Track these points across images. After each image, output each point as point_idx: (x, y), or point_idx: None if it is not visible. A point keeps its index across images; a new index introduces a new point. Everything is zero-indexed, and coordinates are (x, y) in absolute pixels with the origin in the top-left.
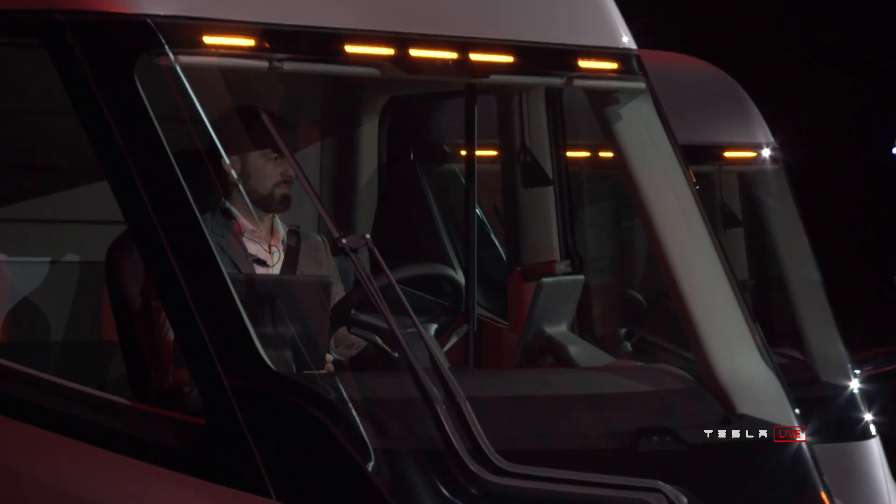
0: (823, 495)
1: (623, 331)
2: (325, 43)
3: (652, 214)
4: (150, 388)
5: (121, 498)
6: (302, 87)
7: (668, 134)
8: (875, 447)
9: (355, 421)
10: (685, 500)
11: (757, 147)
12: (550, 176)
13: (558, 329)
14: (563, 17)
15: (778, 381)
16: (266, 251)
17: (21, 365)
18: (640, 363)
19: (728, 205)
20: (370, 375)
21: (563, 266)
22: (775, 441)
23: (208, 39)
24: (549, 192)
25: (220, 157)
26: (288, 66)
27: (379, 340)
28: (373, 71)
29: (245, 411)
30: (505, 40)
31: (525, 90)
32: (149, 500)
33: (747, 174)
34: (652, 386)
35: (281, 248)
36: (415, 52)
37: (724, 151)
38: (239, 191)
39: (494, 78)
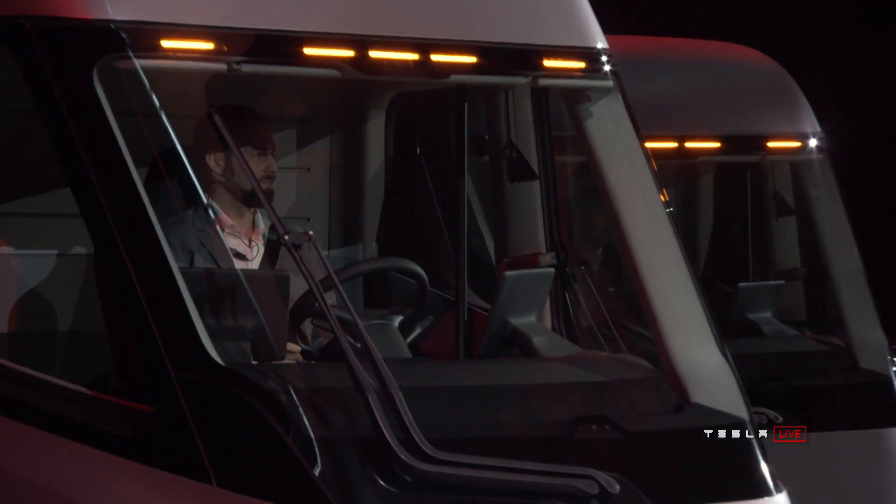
0: (767, 480)
1: None
2: (284, 46)
3: (618, 210)
4: (118, 377)
5: (72, 485)
6: (311, 83)
7: (636, 131)
8: None
9: (292, 411)
10: (617, 486)
11: (802, 137)
12: (536, 171)
13: (525, 320)
14: (532, 16)
15: (731, 371)
16: (246, 245)
17: (27, 355)
18: (604, 353)
19: (781, 193)
20: (310, 366)
21: (548, 258)
22: (721, 428)
23: (168, 43)
24: (535, 186)
25: (202, 155)
26: (247, 68)
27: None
28: (333, 72)
29: (189, 401)
30: (470, 41)
31: (507, 88)
32: (98, 486)
33: (795, 163)
34: (608, 375)
35: (261, 242)
36: (374, 54)
37: (771, 141)
38: (221, 187)
39: (455, 78)
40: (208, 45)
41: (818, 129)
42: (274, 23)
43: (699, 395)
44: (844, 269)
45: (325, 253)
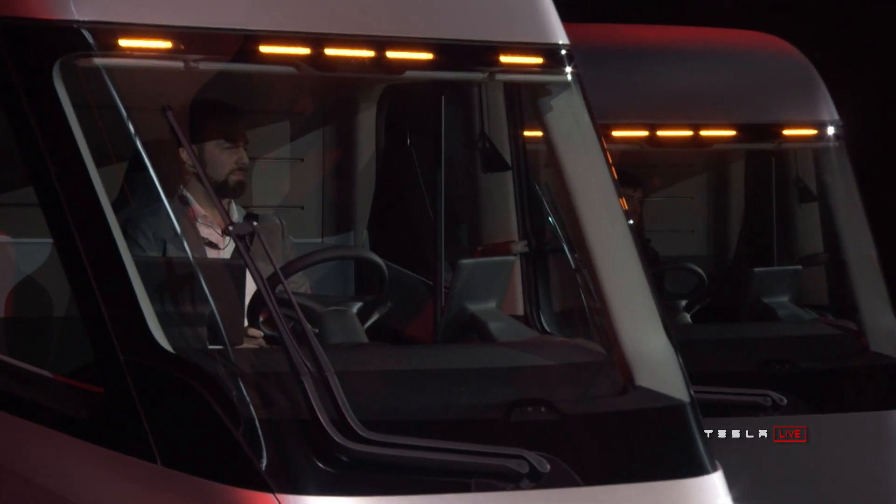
0: (703, 459)
1: (683, 303)
2: (241, 44)
3: (574, 201)
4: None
5: (28, 463)
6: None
7: (593, 125)
8: None
9: (232, 394)
10: (548, 465)
11: (821, 125)
12: (509, 162)
13: (483, 307)
14: (490, 13)
15: (675, 356)
16: (218, 235)
17: (23, 340)
18: (559, 338)
19: (804, 180)
20: (252, 352)
21: (520, 246)
22: (661, 410)
23: (127, 42)
24: (508, 177)
25: (175, 148)
26: (204, 66)
27: (301, 318)
28: (290, 70)
29: (137, 384)
30: (425, 38)
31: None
32: (51, 465)
33: (814, 151)
34: (557, 360)
35: None
36: (330, 52)
37: (791, 129)
38: (194, 179)
39: (410, 74)
40: (167, 44)
41: (836, 116)
42: (231, 22)
43: (644, 379)
44: (858, 255)
45: (317, 240)
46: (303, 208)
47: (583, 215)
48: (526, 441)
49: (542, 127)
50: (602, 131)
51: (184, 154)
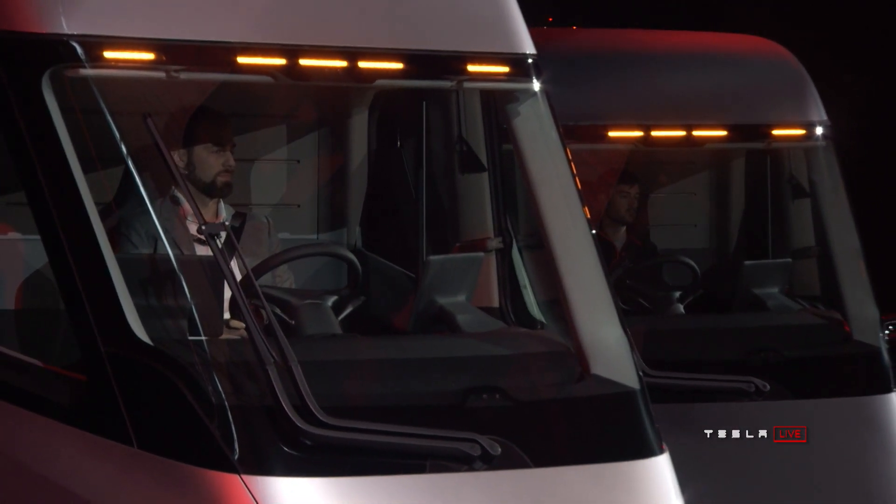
0: (651, 442)
1: (677, 293)
2: (220, 55)
3: (538, 199)
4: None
5: (16, 446)
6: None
7: (557, 130)
8: (894, 402)
9: (203, 382)
10: (499, 448)
11: (810, 126)
12: (485, 164)
13: (452, 300)
14: (459, 24)
15: (628, 346)
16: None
17: (17, 331)
18: (524, 329)
19: (797, 178)
20: (223, 343)
21: (495, 242)
22: (612, 396)
23: (113, 54)
24: (485, 178)
25: (168, 151)
26: (185, 76)
27: (277, 310)
28: (266, 79)
29: (115, 372)
30: (395, 49)
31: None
32: (37, 448)
33: (804, 150)
34: (517, 349)
35: None
36: (304, 62)
37: (782, 129)
38: (185, 180)
39: (380, 82)
40: (150, 56)
41: (825, 117)
42: (210, 34)
43: (598, 368)
44: (843, 249)
45: (312, 237)
46: (299, 206)
47: (546, 215)
48: (481, 426)
49: (510, 131)
50: (606, 131)
51: (175, 156)
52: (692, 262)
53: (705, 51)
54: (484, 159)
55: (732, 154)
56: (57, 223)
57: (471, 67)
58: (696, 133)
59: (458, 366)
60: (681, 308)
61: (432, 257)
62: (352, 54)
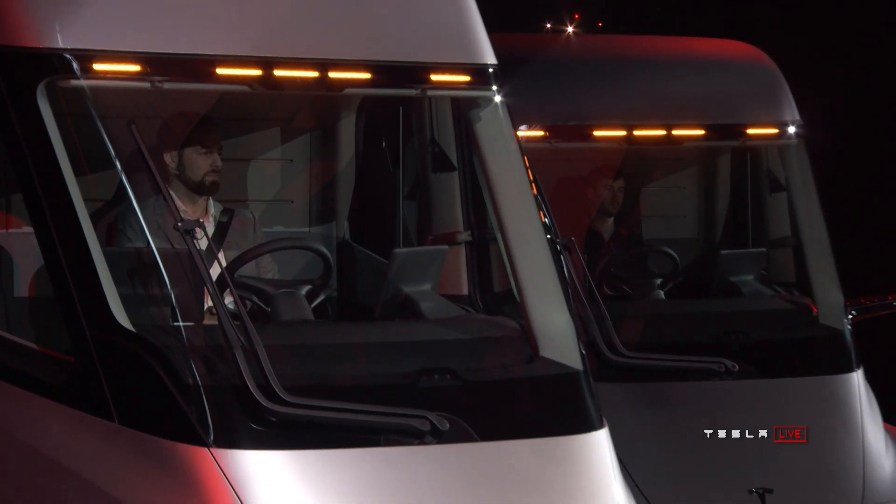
0: (592, 418)
1: (658, 280)
2: (200, 66)
3: (496, 197)
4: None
5: (13, 422)
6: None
7: (515, 134)
8: (856, 380)
9: (177, 364)
10: (447, 424)
11: (783, 125)
12: (455, 164)
13: (417, 289)
14: (424, 36)
15: (574, 331)
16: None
17: (15, 317)
18: (482, 315)
19: (774, 173)
20: (195, 328)
21: (464, 235)
22: (557, 376)
23: (101, 66)
24: (454, 176)
25: (160, 153)
26: (168, 86)
27: (255, 298)
28: (243, 88)
29: (100, 355)
30: (363, 60)
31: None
32: (31, 424)
33: (779, 147)
34: (474, 333)
35: (211, 223)
36: (278, 72)
37: (759, 128)
38: (176, 179)
39: (349, 91)
40: (136, 68)
41: (797, 117)
42: (192, 48)
43: (546, 350)
44: (813, 239)
45: (305, 230)
46: (293, 202)
47: (502, 211)
48: (432, 404)
49: (471, 135)
50: (594, 130)
51: (167, 158)
52: (672, 252)
53: (689, 55)
54: (454, 160)
55: (718, 151)
56: (49, 220)
57: (434, 77)
58: (680, 132)
59: (414, 349)
60: (661, 294)
61: (397, 250)
62: (322, 65)
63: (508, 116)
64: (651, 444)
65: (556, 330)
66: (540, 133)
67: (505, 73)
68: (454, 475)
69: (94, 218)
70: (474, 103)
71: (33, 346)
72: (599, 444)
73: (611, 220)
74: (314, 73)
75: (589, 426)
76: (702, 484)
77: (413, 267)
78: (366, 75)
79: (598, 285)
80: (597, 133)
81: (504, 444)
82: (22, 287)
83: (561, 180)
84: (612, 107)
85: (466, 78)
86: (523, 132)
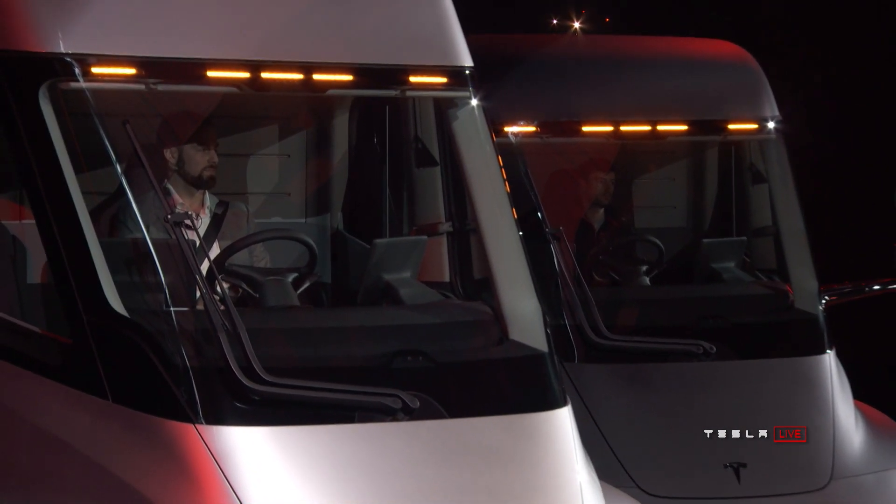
0: (557, 396)
1: (644, 267)
2: (192, 69)
3: (471, 191)
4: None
5: (15, 400)
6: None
7: (488, 129)
8: (828, 361)
9: (166, 346)
10: (418, 402)
11: (763, 120)
12: (437, 159)
13: (397, 277)
14: (403, 40)
15: (541, 316)
16: (194, 218)
17: (19, 301)
18: (458, 301)
19: (756, 165)
20: (184, 313)
21: (446, 226)
22: (525, 358)
23: (99, 70)
24: (437, 171)
25: (160, 150)
26: (162, 88)
27: (244, 285)
28: (233, 90)
29: (94, 337)
30: (345, 63)
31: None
32: (31, 402)
33: (760, 142)
34: (449, 318)
35: (207, 215)
36: (265, 75)
37: (741, 123)
38: (175, 174)
39: (332, 92)
40: (132, 71)
41: (777, 113)
42: (184, 51)
43: (515, 334)
44: (790, 229)
45: (301, 220)
46: (290, 195)
47: (477, 204)
48: (405, 383)
49: (448, 133)
50: (586, 126)
51: (167, 154)
52: (657, 241)
53: (675, 54)
54: (437, 156)
55: (706, 145)
56: (49, 213)
57: (413, 78)
58: (666, 127)
59: (389, 332)
60: (646, 280)
61: (378, 240)
62: (307, 67)
63: (484, 116)
64: (633, 422)
65: (524, 314)
66: (534, 129)
67: (501, 72)
68: (424, 450)
69: (98, 210)
70: (451, 103)
71: (35, 328)
72: (562, 421)
73: (601, 210)
74: (299, 76)
75: (553, 404)
76: (681, 458)
77: (393, 256)
78: (348, 77)
79: (588, 272)
80: (588, 129)
81: (472, 420)
82: (35, 274)
83: (555, 173)
84: (603, 103)
85: (444, 79)
86: (519, 128)
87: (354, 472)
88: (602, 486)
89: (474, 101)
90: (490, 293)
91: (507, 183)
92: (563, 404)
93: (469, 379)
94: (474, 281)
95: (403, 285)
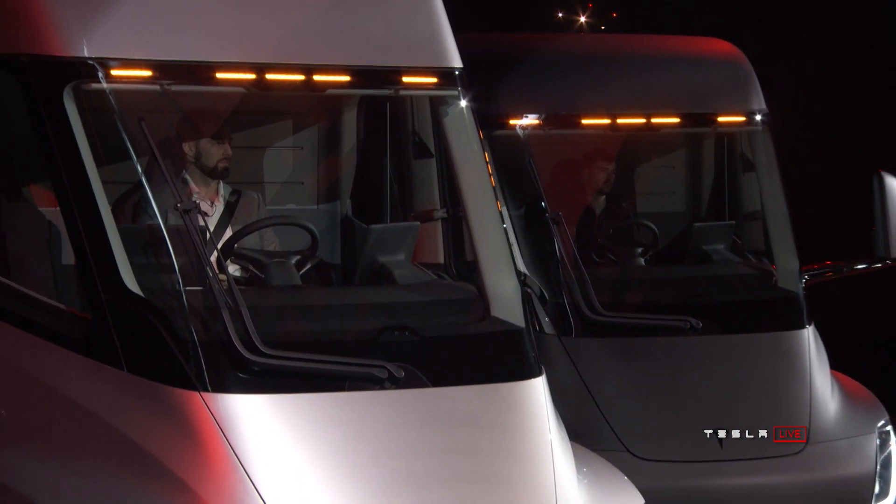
0: (533, 366)
1: (639, 249)
2: (202, 71)
3: (460, 182)
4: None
5: (42, 370)
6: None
7: (476, 128)
8: (806, 335)
9: (175, 321)
10: (403, 372)
11: (751, 114)
12: (433, 151)
13: (392, 259)
14: (397, 43)
15: (520, 294)
16: (209, 206)
17: (45, 280)
18: (447, 281)
19: (747, 155)
20: (192, 292)
21: (441, 213)
22: (504, 333)
23: (118, 72)
24: (432, 162)
25: (179, 144)
26: (175, 88)
27: (251, 266)
28: (239, 90)
29: (111, 313)
30: (343, 65)
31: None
32: (56, 371)
33: (748, 133)
34: (438, 296)
35: (221, 203)
36: (270, 76)
37: (732, 116)
38: (193, 165)
39: (331, 91)
40: (148, 73)
41: (764, 106)
42: (195, 55)
43: (497, 310)
44: (774, 213)
45: (314, 207)
46: (303, 183)
47: (464, 193)
48: (392, 356)
49: (439, 129)
50: (589, 118)
51: (185, 148)
52: (652, 225)
53: (672, 52)
54: (432, 149)
55: (703, 136)
56: (73, 203)
57: (406, 79)
58: (661, 120)
59: (380, 309)
60: (641, 261)
61: (373, 226)
62: (308, 69)
63: (472, 113)
64: (624, 391)
65: (505, 293)
66: (538, 122)
67: (510, 67)
68: (408, 415)
69: (123, 198)
70: (442, 101)
71: (61, 306)
72: (536, 389)
73: (602, 197)
74: (301, 77)
75: (528, 374)
76: (668, 425)
77: (388, 240)
78: (346, 78)
79: (588, 254)
80: (593, 121)
81: (453, 389)
82: (68, 256)
83: (561, 163)
84: (605, 98)
85: (434, 80)
86: (527, 121)
87: (344, 434)
88: (574, 447)
89: (463, 100)
90: (476, 274)
91: (492, 177)
92: (538, 374)
93: (451, 351)
94: (467, 263)
95: (397, 267)
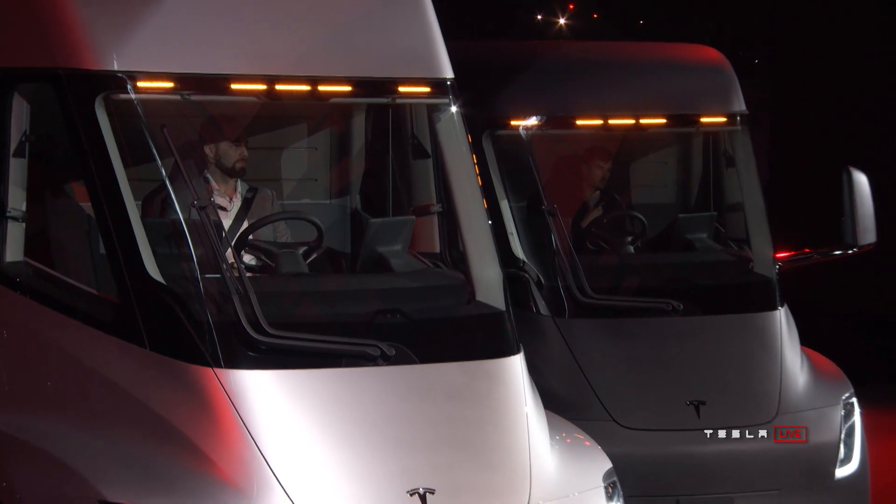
0: (512, 345)
1: (629, 238)
2: (218, 83)
3: (449, 182)
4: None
5: (76, 347)
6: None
7: (465, 133)
8: (778, 316)
9: (192, 305)
10: (394, 350)
11: (731, 115)
12: (429, 152)
13: (390, 249)
14: (394, 56)
15: (501, 282)
16: (227, 202)
17: (82, 269)
18: (439, 269)
19: (730, 152)
20: (207, 280)
21: (437, 207)
22: (486, 309)
23: (143, 84)
24: (429, 162)
25: (201, 146)
26: (194, 98)
27: (263, 256)
28: (252, 99)
29: (136, 298)
30: (345, 76)
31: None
32: (89, 349)
33: (729, 132)
34: (429, 283)
35: (238, 199)
36: (279, 87)
37: (714, 116)
38: (213, 166)
39: (334, 100)
40: (169, 84)
41: (744, 107)
42: (212, 68)
43: (481, 296)
44: (751, 204)
45: (326, 202)
46: (317, 180)
47: (454, 191)
48: (385, 336)
49: (432, 133)
50: (585, 119)
51: (207, 150)
52: (641, 216)
53: (659, 58)
54: (429, 150)
55: (692, 134)
56: (103, 200)
57: (402, 88)
58: (650, 120)
59: (375, 295)
60: (631, 249)
61: (372, 220)
62: (313, 80)
63: (462, 118)
64: (611, 366)
65: (488, 280)
66: (538, 122)
67: (512, 74)
68: (398, 388)
69: (152, 195)
70: (435, 109)
71: (93, 291)
72: (514, 366)
73: (598, 192)
74: (307, 87)
75: (507, 352)
76: (650, 396)
77: (386, 232)
78: (348, 88)
79: (582, 243)
80: (589, 122)
81: (439, 365)
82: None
83: (558, 160)
84: (599, 100)
85: (428, 89)
86: (528, 122)
87: (340, 405)
88: (553, 417)
89: (454, 108)
90: (462, 263)
91: (479, 176)
92: (517, 352)
93: (438, 332)
94: (460, 252)
95: (394, 256)
